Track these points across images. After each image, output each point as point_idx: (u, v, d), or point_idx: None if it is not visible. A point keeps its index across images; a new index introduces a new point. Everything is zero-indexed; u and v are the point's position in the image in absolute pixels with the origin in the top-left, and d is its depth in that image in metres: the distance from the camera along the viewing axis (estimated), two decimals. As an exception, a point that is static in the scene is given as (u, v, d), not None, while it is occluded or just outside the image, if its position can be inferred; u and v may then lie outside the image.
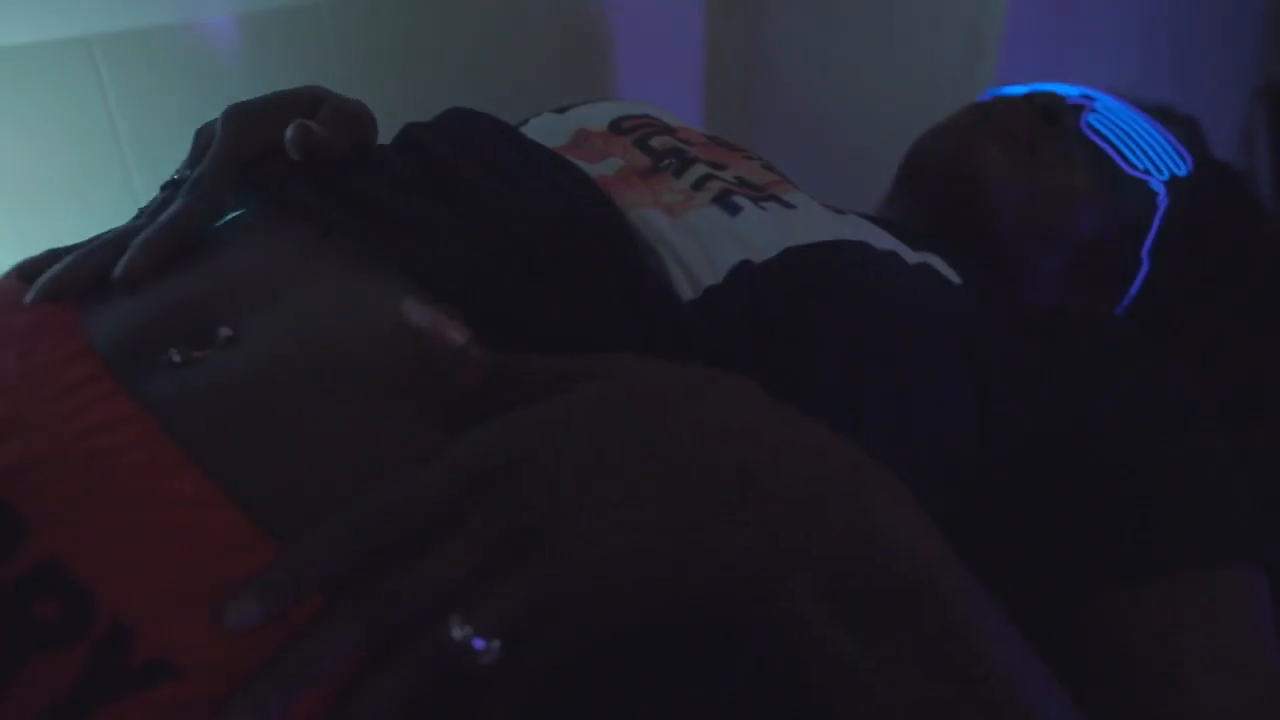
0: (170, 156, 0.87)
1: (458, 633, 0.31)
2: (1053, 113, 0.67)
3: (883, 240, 0.51)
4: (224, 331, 0.40)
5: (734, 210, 0.49)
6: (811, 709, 0.34)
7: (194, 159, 0.52)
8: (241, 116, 0.51)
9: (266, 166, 0.50)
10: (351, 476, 0.35)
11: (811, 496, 0.33)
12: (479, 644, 0.31)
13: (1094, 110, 0.69)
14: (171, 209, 0.47)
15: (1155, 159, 0.69)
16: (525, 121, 0.62)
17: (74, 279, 0.44)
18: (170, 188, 0.51)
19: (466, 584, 0.32)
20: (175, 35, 0.85)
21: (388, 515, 0.32)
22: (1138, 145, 0.68)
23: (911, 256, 0.52)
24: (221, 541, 0.33)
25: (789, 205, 0.51)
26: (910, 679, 0.33)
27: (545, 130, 0.58)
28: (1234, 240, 0.75)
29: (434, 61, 0.96)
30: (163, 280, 0.44)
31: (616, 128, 0.57)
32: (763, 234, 0.48)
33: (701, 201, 0.50)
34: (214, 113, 0.89)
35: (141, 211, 0.51)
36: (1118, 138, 0.68)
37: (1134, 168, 0.68)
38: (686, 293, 0.45)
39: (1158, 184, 0.69)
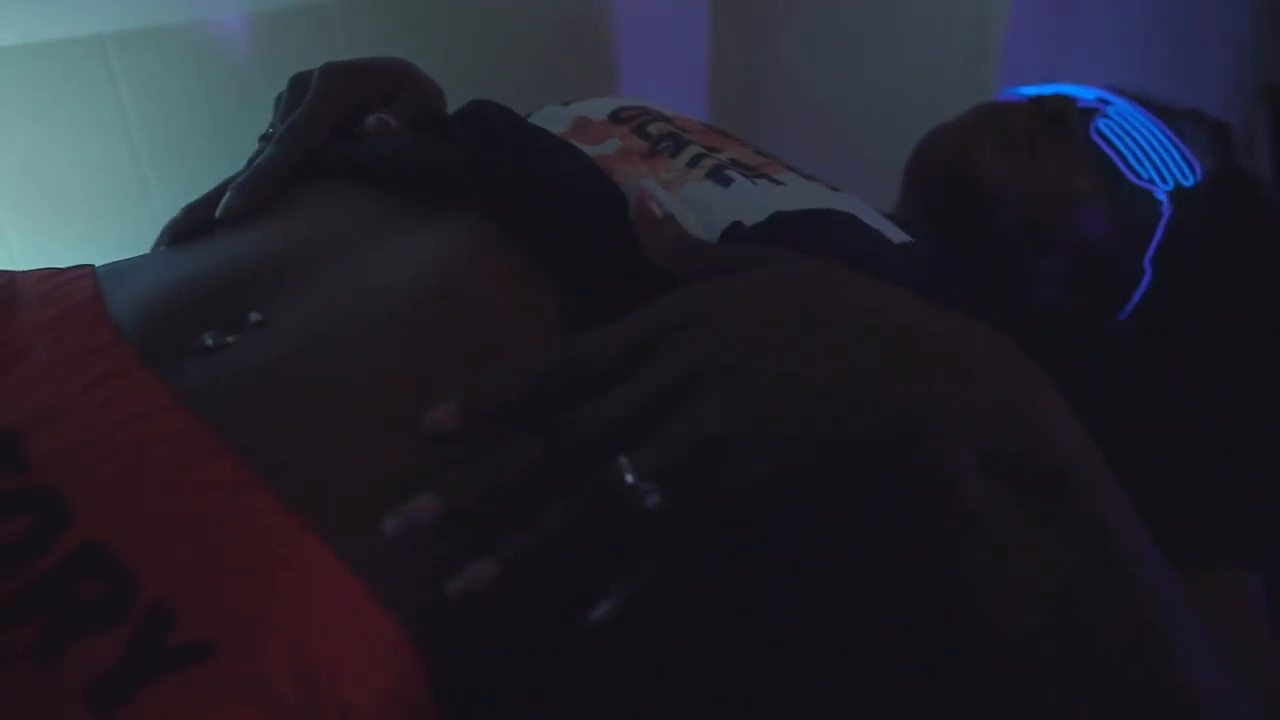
0: (181, 153, 0.88)
1: (626, 468, 0.33)
2: (1060, 115, 0.68)
3: (871, 218, 0.53)
4: (254, 316, 0.41)
5: (726, 183, 0.51)
6: (929, 584, 0.36)
7: (288, 109, 0.58)
8: (338, 76, 0.57)
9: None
10: (381, 454, 0.36)
11: (974, 368, 0.36)
12: (643, 486, 0.33)
13: (1105, 115, 0.69)
14: (264, 155, 0.53)
15: (1162, 168, 0.69)
16: (529, 115, 0.63)
17: (183, 224, 0.52)
18: (264, 140, 0.57)
19: (637, 424, 0.34)
20: (187, 34, 0.86)
21: (570, 359, 0.36)
22: (1145, 153, 0.68)
23: (899, 236, 0.53)
24: (256, 526, 0.33)
25: (779, 183, 0.53)
26: (1050, 555, 0.34)
27: (548, 120, 0.60)
28: (1242, 251, 0.75)
29: (440, 61, 0.97)
30: (193, 262, 0.45)
31: (615, 117, 0.58)
32: (753, 202, 0.50)
33: (696, 177, 0.52)
34: (225, 111, 0.91)
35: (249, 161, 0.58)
36: (1125, 144, 0.68)
37: (1137, 176, 0.68)
38: None
39: (1161, 194, 0.69)
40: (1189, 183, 0.70)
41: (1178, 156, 0.70)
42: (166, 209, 0.89)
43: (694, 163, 0.53)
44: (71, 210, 0.86)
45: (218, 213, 0.50)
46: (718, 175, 0.52)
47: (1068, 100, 0.69)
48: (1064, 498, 0.35)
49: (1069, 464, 0.36)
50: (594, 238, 0.45)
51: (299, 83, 0.59)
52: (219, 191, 0.52)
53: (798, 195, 0.52)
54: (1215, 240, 0.72)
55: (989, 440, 0.35)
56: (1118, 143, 0.68)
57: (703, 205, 0.49)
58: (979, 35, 1.06)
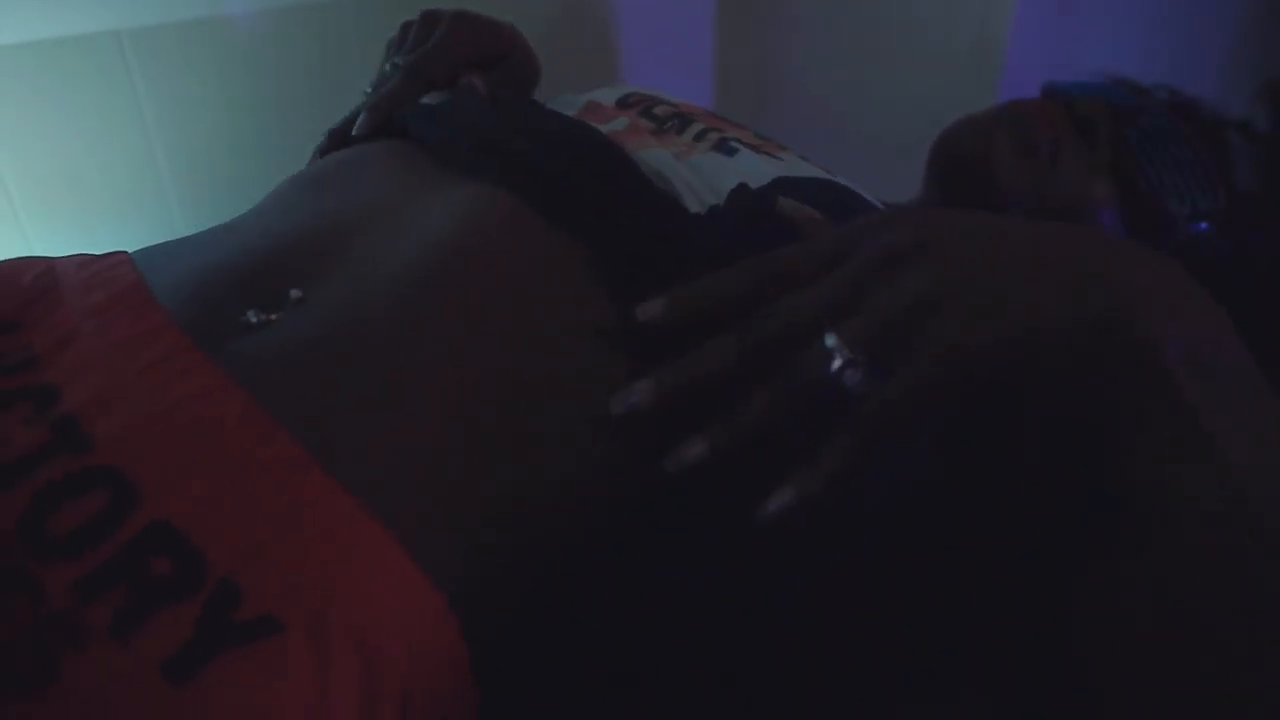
0: (196, 148, 0.89)
1: (832, 341, 0.36)
2: (1090, 123, 0.67)
3: (870, 197, 0.54)
4: (294, 293, 0.42)
5: (731, 153, 0.54)
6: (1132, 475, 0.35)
7: (416, 41, 0.65)
8: (466, 26, 0.64)
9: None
10: (421, 425, 0.37)
11: (1164, 270, 0.37)
12: (848, 356, 0.36)
13: (1138, 125, 0.67)
14: (390, 83, 0.60)
15: (1185, 188, 0.67)
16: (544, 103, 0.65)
17: (328, 146, 0.62)
18: (393, 67, 0.64)
19: (838, 308, 0.37)
20: (203, 29, 0.87)
21: (777, 262, 0.40)
22: (1170, 171, 0.66)
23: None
24: (314, 505, 0.34)
25: (779, 160, 0.55)
26: (1261, 445, 0.34)
27: (561, 106, 0.62)
28: (1258, 276, 0.71)
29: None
30: (231, 244, 0.46)
31: (623, 102, 0.61)
32: (757, 169, 0.52)
33: (702, 149, 0.54)
34: (240, 105, 0.92)
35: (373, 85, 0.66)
36: (1150, 159, 0.66)
37: (1157, 193, 0.66)
38: (694, 208, 0.49)
39: (1179, 214, 0.67)
40: (1212, 205, 0.67)
41: (1204, 180, 0.67)
42: (181, 202, 0.91)
43: (699, 137, 0.56)
44: (87, 203, 0.87)
45: (354, 130, 0.59)
46: (723, 146, 0.54)
47: (1102, 106, 0.68)
48: (1249, 397, 0.35)
49: (1247, 364, 0.36)
50: (609, 201, 0.47)
51: (430, 20, 0.66)
52: (355, 114, 0.61)
53: (798, 167, 0.54)
54: (1234, 264, 0.69)
55: (1189, 333, 0.35)
56: (1143, 157, 0.66)
57: (709, 171, 0.51)
58: (985, 27, 1.08)
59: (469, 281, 0.43)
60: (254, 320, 0.40)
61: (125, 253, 0.47)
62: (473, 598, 0.36)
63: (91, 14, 0.82)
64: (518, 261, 0.44)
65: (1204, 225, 0.68)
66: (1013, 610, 0.42)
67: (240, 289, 0.42)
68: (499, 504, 0.38)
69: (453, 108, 0.56)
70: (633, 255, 0.44)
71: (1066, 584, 0.36)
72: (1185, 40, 0.98)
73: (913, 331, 0.36)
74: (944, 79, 1.09)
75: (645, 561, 0.42)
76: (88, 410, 0.35)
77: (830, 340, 0.36)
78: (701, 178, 0.50)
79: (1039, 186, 0.65)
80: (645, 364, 0.40)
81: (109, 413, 0.36)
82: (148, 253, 0.48)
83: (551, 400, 0.41)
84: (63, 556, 0.32)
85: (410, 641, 0.34)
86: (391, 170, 0.52)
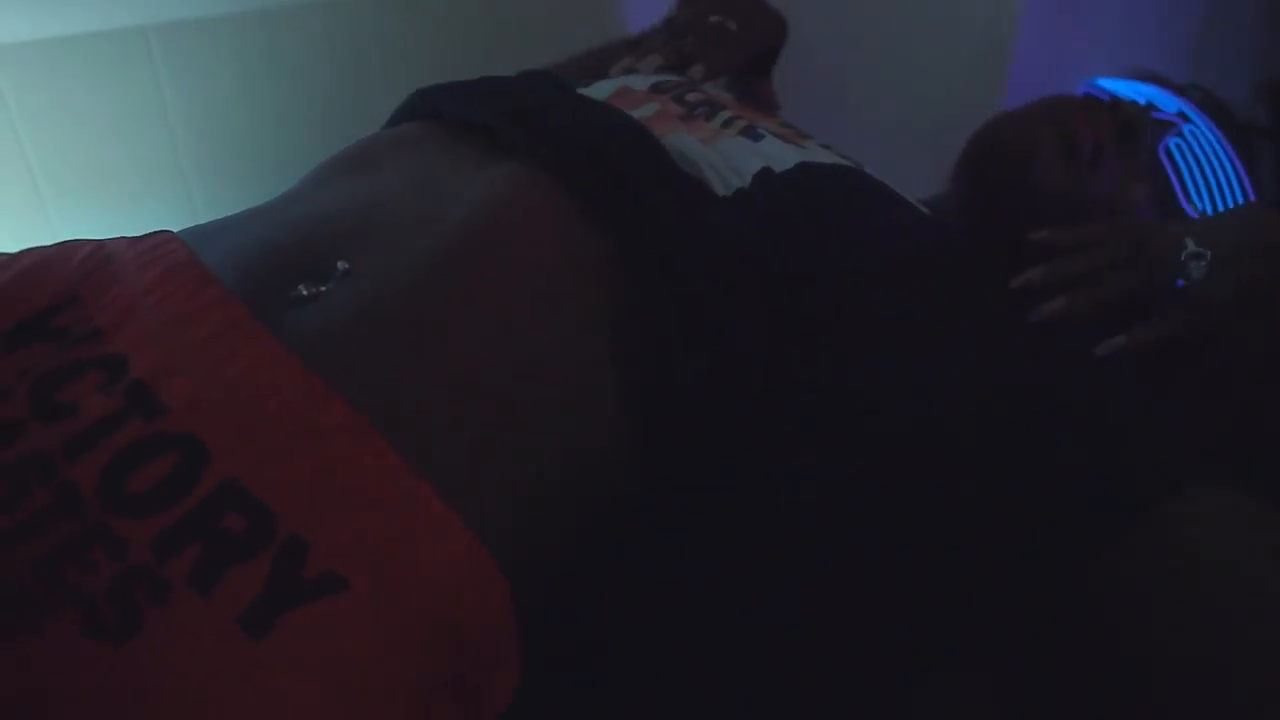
0: (217, 139, 0.91)
1: (1190, 244, 0.51)
2: (1130, 127, 0.67)
3: (893, 188, 0.56)
4: (341, 265, 0.43)
5: (757, 138, 0.56)
6: None
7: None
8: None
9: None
10: (469, 391, 0.39)
11: None
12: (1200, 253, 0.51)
13: (1180, 134, 0.67)
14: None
15: (1220, 199, 0.67)
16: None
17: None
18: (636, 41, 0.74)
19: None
20: (226, 25, 0.89)
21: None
22: (1208, 181, 0.67)
23: (916, 203, 0.56)
24: (371, 465, 0.36)
25: (802, 147, 0.57)
26: None
27: (593, 91, 0.63)
28: None
29: (463, 50, 1.00)
30: (277, 221, 0.48)
31: (656, 88, 0.63)
32: (782, 155, 0.54)
33: (729, 135, 0.56)
34: (261, 101, 0.93)
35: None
36: (1189, 168, 0.67)
37: (1190, 204, 0.67)
38: (720, 191, 0.51)
39: None
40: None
41: (1238, 191, 0.67)
42: (203, 195, 0.92)
43: (727, 124, 0.58)
44: (111, 192, 0.88)
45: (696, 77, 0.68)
46: (750, 132, 0.56)
47: (1142, 111, 0.68)
48: None
49: None
50: (635, 180, 0.48)
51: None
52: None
53: (820, 154, 0.56)
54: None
55: None
56: (1182, 165, 0.67)
57: (735, 155, 0.53)
58: (992, 26, 1.09)
59: (505, 255, 0.45)
60: (305, 293, 0.42)
61: (170, 232, 0.48)
62: (515, 556, 0.38)
63: (118, 10, 0.84)
64: (552, 238, 0.46)
65: None
66: (1013, 608, 0.44)
67: (289, 263, 0.44)
68: (534, 465, 0.40)
69: (491, 90, 0.58)
70: (661, 235, 0.46)
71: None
72: (1193, 38, 1.00)
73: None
74: (951, 78, 1.11)
75: (660, 536, 0.44)
76: (156, 378, 0.37)
77: (1189, 242, 0.51)
78: (727, 161, 0.52)
79: (1078, 187, 0.65)
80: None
81: (176, 380, 0.37)
82: (192, 232, 0.49)
83: (580, 369, 0.43)
84: (142, 513, 0.34)
85: (462, 594, 0.35)
86: (430, 149, 0.53)
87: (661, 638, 0.45)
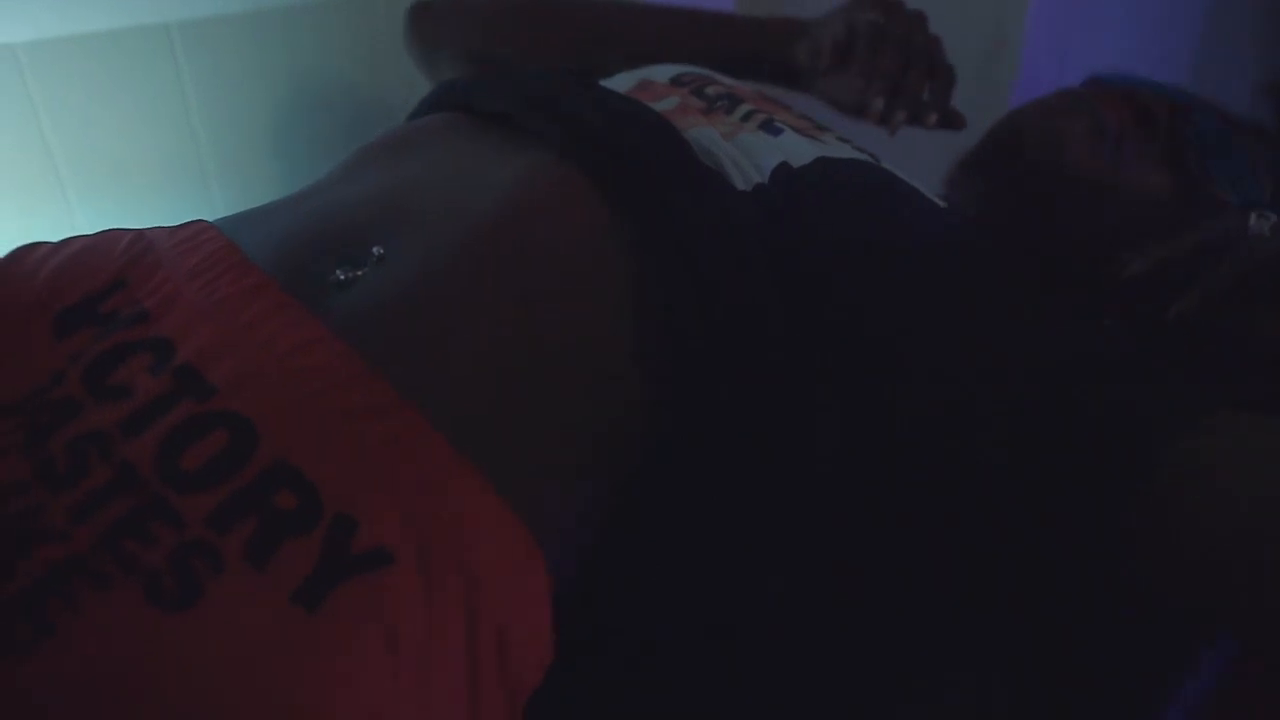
0: (238, 135, 0.92)
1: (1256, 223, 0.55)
2: (1150, 114, 0.67)
3: (909, 180, 0.57)
4: (376, 250, 0.45)
5: (776, 132, 0.56)
6: None
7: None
8: None
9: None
10: (503, 372, 0.41)
11: None
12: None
13: (1191, 120, 0.67)
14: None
15: (1239, 182, 0.66)
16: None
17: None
18: None
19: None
20: (249, 23, 0.90)
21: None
22: (1226, 165, 0.66)
23: (935, 199, 0.57)
24: (417, 447, 0.37)
25: (822, 142, 0.58)
26: None
27: (614, 83, 0.65)
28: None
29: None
30: (312, 208, 0.49)
31: (677, 81, 0.64)
32: (800, 149, 0.54)
33: (749, 128, 0.57)
34: (282, 98, 0.95)
35: None
36: (1208, 152, 0.66)
37: (1217, 184, 0.65)
38: (740, 186, 0.52)
39: (1235, 206, 0.65)
40: (1259, 201, 0.66)
41: (1260, 172, 0.67)
42: (223, 191, 0.94)
43: (747, 118, 0.59)
44: (133, 186, 0.90)
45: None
46: (769, 126, 0.57)
47: (1161, 99, 0.68)
48: None
49: None
50: (657, 172, 0.50)
51: None
52: None
53: (839, 148, 0.57)
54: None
55: None
56: (1204, 150, 0.66)
57: (755, 149, 0.54)
58: (1000, 27, 1.10)
59: (532, 241, 0.46)
60: (342, 277, 0.43)
61: (205, 221, 0.50)
62: (550, 537, 0.39)
63: (142, 7, 0.85)
64: (576, 225, 0.47)
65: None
66: (1018, 604, 0.46)
67: (326, 249, 0.45)
68: (567, 447, 0.42)
69: (516, 82, 0.59)
70: (681, 227, 0.47)
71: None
72: (1200, 40, 1.01)
73: None
74: (959, 78, 1.11)
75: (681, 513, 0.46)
76: (204, 360, 0.38)
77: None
78: (748, 156, 0.53)
79: (1108, 174, 0.65)
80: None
81: (224, 362, 0.38)
82: (227, 221, 0.51)
83: (606, 355, 0.44)
84: (197, 489, 0.35)
85: (502, 571, 0.37)
86: (458, 139, 0.55)
87: (680, 626, 0.46)
